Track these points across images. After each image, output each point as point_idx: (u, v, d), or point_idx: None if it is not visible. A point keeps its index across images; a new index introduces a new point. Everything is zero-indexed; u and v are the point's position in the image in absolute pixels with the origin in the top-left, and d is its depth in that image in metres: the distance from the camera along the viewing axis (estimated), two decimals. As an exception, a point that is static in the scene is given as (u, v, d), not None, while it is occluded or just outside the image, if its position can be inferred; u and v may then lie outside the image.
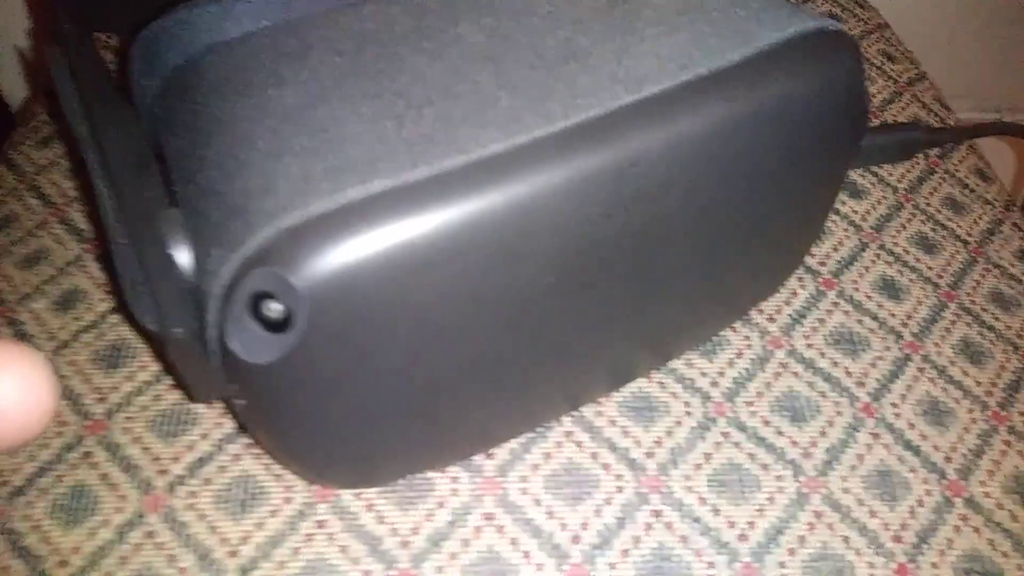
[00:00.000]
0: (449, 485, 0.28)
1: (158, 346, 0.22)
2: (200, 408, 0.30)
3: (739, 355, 0.32)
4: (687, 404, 0.30)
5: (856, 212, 0.37)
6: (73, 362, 0.31)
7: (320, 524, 0.28)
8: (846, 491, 0.29)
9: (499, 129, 0.21)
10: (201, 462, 0.29)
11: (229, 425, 0.30)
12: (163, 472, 0.29)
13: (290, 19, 0.25)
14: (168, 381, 0.31)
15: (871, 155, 0.30)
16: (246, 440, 0.29)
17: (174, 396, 0.30)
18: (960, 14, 0.77)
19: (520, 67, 0.22)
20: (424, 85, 0.22)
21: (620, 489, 0.28)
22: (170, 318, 0.21)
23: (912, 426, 0.31)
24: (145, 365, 0.31)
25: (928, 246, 0.36)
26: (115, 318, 0.33)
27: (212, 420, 0.30)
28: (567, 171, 0.21)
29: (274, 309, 0.20)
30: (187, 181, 0.23)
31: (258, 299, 0.20)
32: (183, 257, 0.23)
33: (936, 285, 0.35)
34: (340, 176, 0.20)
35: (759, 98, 0.23)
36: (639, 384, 0.31)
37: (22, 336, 0.32)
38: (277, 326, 0.20)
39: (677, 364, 0.32)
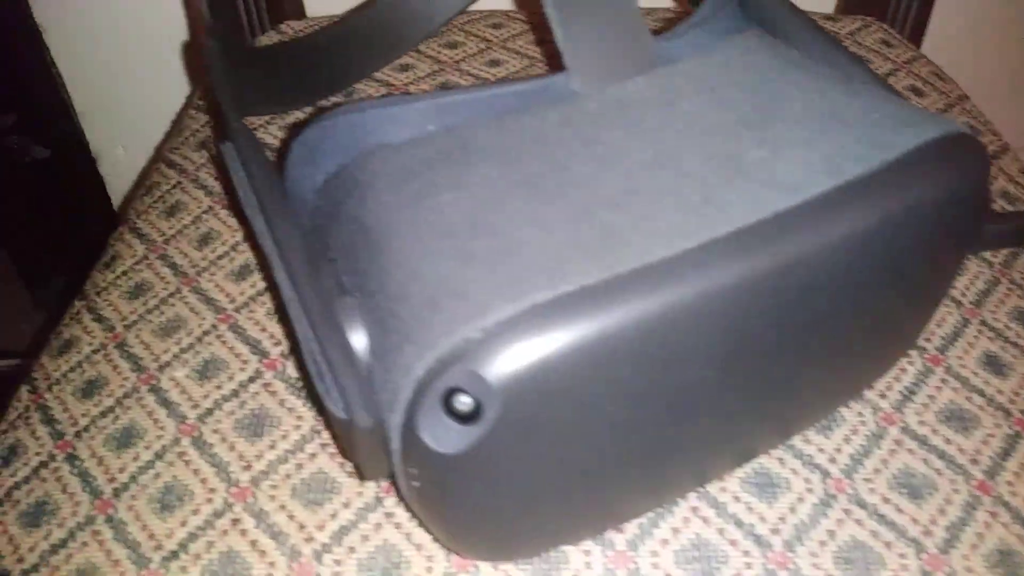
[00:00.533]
0: (582, 559, 0.30)
1: (339, 431, 0.24)
2: (340, 478, 0.32)
3: (854, 431, 0.33)
4: (807, 480, 0.32)
5: (955, 288, 0.38)
6: (217, 430, 0.33)
7: (461, 594, 0.29)
8: (969, 570, 0.30)
9: (667, 236, 0.23)
10: (344, 530, 0.30)
11: (369, 495, 0.31)
12: (309, 540, 0.30)
13: (453, 126, 0.27)
14: (309, 450, 0.33)
15: (987, 243, 0.31)
16: (385, 510, 0.31)
17: (315, 465, 0.32)
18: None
19: (679, 176, 0.24)
20: (591, 193, 0.24)
21: (749, 565, 0.29)
22: (358, 407, 0.23)
23: (1028, 504, 0.31)
24: (286, 434, 0.33)
25: (1028, 322, 0.37)
26: (255, 387, 0.35)
27: (353, 489, 0.31)
28: (733, 274, 0.22)
29: (465, 403, 0.21)
30: (362, 274, 0.25)
31: (450, 394, 0.21)
32: (360, 345, 0.25)
33: (1039, 361, 0.36)
34: (527, 281, 0.22)
35: (901, 201, 0.24)
36: (760, 460, 0.32)
37: (166, 404, 0.34)
38: (466, 419, 0.22)
39: (794, 440, 0.33)
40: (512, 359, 0.21)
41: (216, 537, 0.30)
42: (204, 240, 0.42)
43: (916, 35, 0.57)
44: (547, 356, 0.21)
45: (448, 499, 0.24)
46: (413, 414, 0.22)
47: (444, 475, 0.23)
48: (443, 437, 0.22)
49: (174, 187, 0.45)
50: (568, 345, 0.21)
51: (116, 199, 0.84)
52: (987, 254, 0.40)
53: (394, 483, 0.30)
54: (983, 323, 0.37)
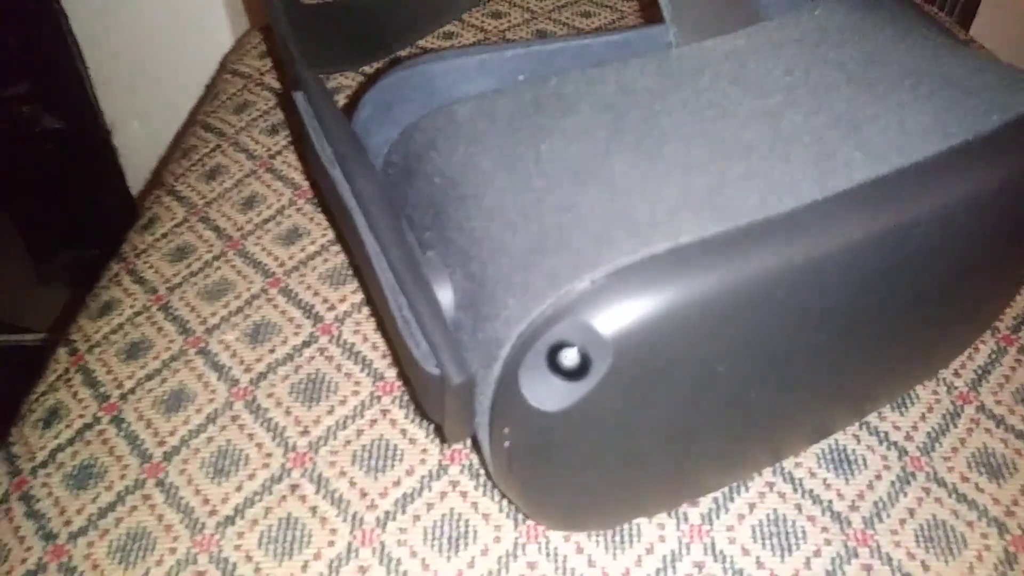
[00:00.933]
0: (656, 532, 0.29)
1: (430, 388, 0.23)
2: (402, 445, 0.31)
3: (930, 410, 0.32)
4: (884, 457, 0.31)
5: (1025, 268, 0.37)
6: (272, 394, 0.32)
7: (531, 566, 0.28)
8: (1051, 552, 0.29)
9: (786, 189, 0.21)
10: (408, 498, 0.29)
11: (432, 462, 0.30)
12: (372, 507, 0.29)
13: (546, 76, 0.25)
14: (369, 416, 0.31)
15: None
16: (449, 479, 0.30)
17: (375, 431, 0.31)
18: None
19: (792, 130, 0.23)
20: (700, 145, 0.23)
21: (828, 542, 0.28)
22: (452, 365, 0.22)
23: (1108, 487, 0.31)
24: (344, 400, 0.32)
25: (1098, 304, 0.36)
26: (310, 352, 0.33)
27: (416, 457, 0.30)
28: (854, 232, 0.21)
29: (571, 358, 0.20)
30: (448, 227, 0.24)
31: (557, 348, 0.20)
32: (445, 298, 0.24)
33: (1112, 344, 0.35)
34: (640, 232, 0.21)
35: (1015, 164, 0.23)
36: (834, 437, 0.31)
37: (216, 367, 0.33)
38: (571, 375, 0.20)
39: (869, 418, 0.32)
40: (625, 312, 0.20)
41: (274, 503, 0.29)
42: (248, 203, 0.40)
43: (965, 20, 0.56)
44: (661, 310, 0.20)
45: (539, 460, 0.23)
46: (515, 368, 0.21)
47: (540, 434, 0.22)
48: (545, 394, 0.21)
49: (213, 150, 0.44)
50: (684, 300, 0.20)
51: (130, 173, 0.83)
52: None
53: (475, 445, 0.29)
54: (1054, 304, 0.36)
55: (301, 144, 0.43)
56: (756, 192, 0.21)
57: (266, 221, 0.39)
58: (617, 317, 0.20)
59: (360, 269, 0.30)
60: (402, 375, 0.33)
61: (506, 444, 0.23)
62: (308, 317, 0.35)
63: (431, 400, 0.23)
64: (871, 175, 0.22)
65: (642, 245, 0.20)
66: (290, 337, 0.34)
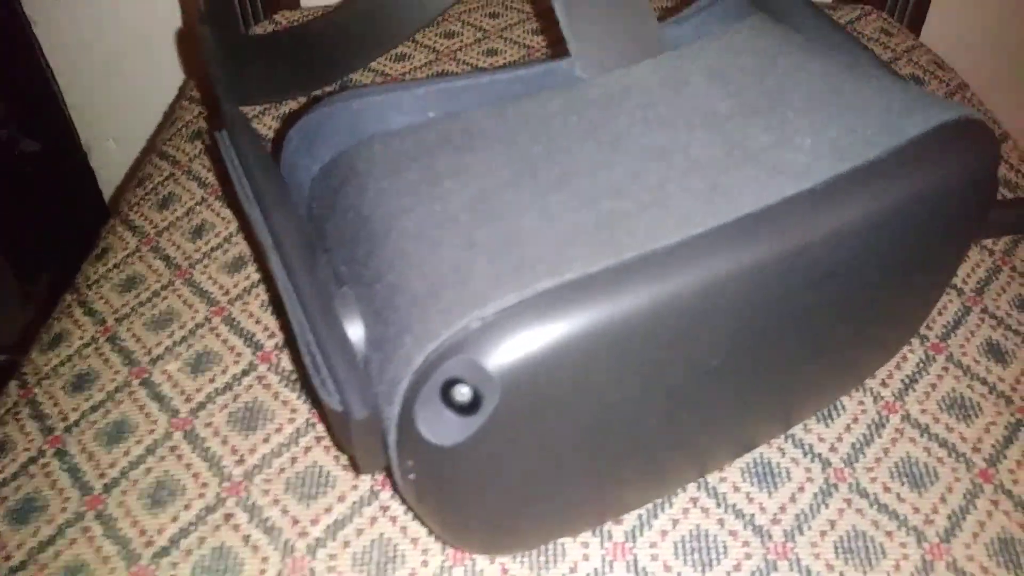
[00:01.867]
0: (580, 551, 0.29)
1: (335, 423, 0.23)
2: (335, 471, 0.31)
3: (855, 420, 0.33)
4: (808, 470, 0.31)
5: (957, 276, 0.38)
6: (210, 424, 0.33)
7: (459, 588, 0.28)
8: (970, 559, 0.29)
9: (673, 222, 0.22)
10: (339, 524, 0.30)
11: (364, 488, 0.31)
12: (303, 534, 0.30)
13: (454, 112, 0.26)
14: (304, 444, 0.32)
15: (991, 229, 0.31)
16: (380, 504, 0.30)
17: (309, 458, 0.32)
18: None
19: (686, 162, 0.24)
20: (596, 179, 0.23)
21: (748, 556, 0.29)
22: (355, 399, 0.22)
23: (1030, 493, 0.31)
24: (280, 427, 0.33)
25: (1029, 310, 0.37)
26: (248, 380, 0.34)
27: (348, 483, 0.31)
28: (740, 261, 0.22)
29: (463, 393, 0.21)
30: (361, 264, 0.25)
31: (449, 384, 0.21)
32: (356, 336, 0.24)
33: (1040, 350, 0.36)
34: (530, 269, 0.21)
35: (910, 186, 0.24)
36: (760, 450, 0.32)
37: (158, 398, 0.34)
38: (464, 410, 0.21)
39: (795, 430, 0.32)
40: (512, 348, 0.20)
41: (208, 532, 0.30)
42: (197, 232, 0.41)
43: (915, 24, 0.56)
44: (548, 345, 0.21)
45: (445, 491, 0.23)
46: (411, 405, 0.21)
47: (441, 467, 0.22)
48: (441, 429, 0.21)
49: (167, 179, 0.45)
50: (570, 334, 0.21)
51: (107, 192, 0.83)
52: (988, 242, 0.40)
53: (390, 476, 0.30)
54: (984, 311, 0.37)
55: (226, 184, 0.43)
56: (647, 224, 0.22)
57: (213, 249, 0.40)
58: (503, 353, 0.20)
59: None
60: (318, 407, 0.33)
61: (411, 476, 0.23)
62: (249, 345, 0.35)
63: (339, 433, 0.24)
64: (762, 203, 0.23)
65: (530, 282, 0.21)
66: (230, 366, 0.35)
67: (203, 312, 0.37)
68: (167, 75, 0.71)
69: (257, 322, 0.36)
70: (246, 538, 0.30)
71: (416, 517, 0.30)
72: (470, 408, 0.21)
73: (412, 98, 0.26)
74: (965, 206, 0.25)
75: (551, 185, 0.23)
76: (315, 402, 0.33)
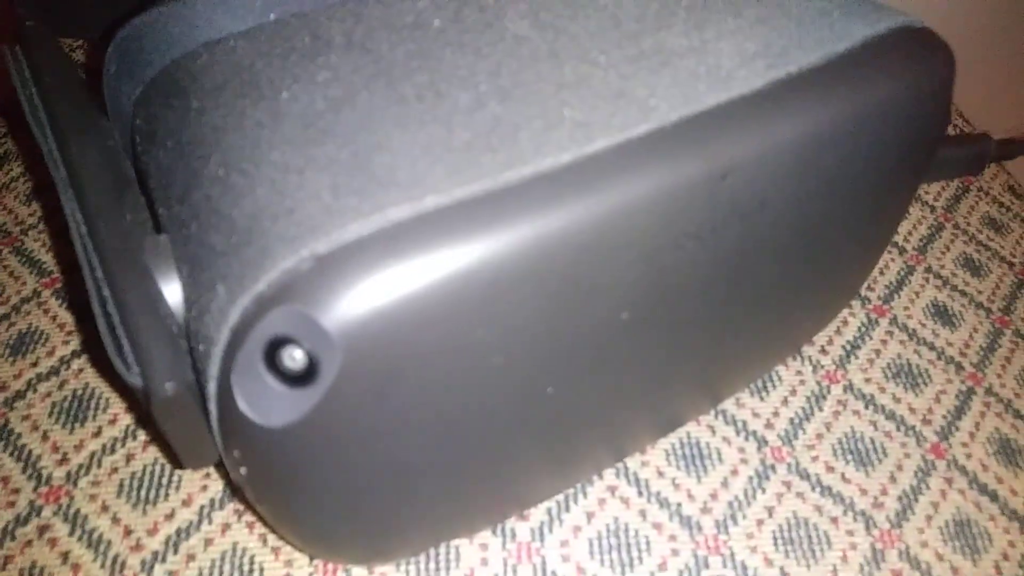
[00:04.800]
0: (478, 554, 0.25)
1: (142, 403, 0.18)
2: (182, 470, 0.26)
3: (793, 392, 0.29)
4: (741, 450, 0.27)
5: (898, 233, 0.35)
6: (28, 416, 0.27)
7: (329, 605, 0.23)
8: (924, 545, 0.26)
9: (567, 136, 0.17)
10: (183, 534, 0.24)
11: (216, 487, 0.25)
12: (136, 548, 0.24)
13: (300, 12, 0.21)
14: (143, 436, 0.26)
15: (940, 169, 0.27)
16: (237, 506, 0.25)
17: (150, 454, 0.26)
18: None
19: (583, 66, 0.19)
20: (471, 86, 0.18)
21: (675, 552, 0.25)
22: (158, 370, 0.17)
23: (985, 468, 0.28)
24: (116, 418, 0.27)
25: (974, 268, 0.34)
26: (79, 363, 0.28)
27: (196, 483, 0.25)
28: (650, 183, 0.17)
29: (295, 358, 0.16)
30: (178, 202, 0.19)
31: (275, 346, 0.16)
32: (173, 294, 0.19)
33: (988, 310, 0.32)
34: (380, 192, 0.16)
35: (852, 99, 0.20)
36: (686, 429, 0.27)
37: (-34, 386, 0.28)
38: (297, 379, 0.16)
39: (726, 404, 0.28)
40: (358, 296, 0.15)
41: (15, 550, 0.24)
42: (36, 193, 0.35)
43: None
44: (407, 292, 0.16)
45: (285, 487, 0.18)
46: (227, 375, 0.16)
47: (273, 456, 0.17)
48: (267, 404, 0.16)
49: (3, 136, 0.38)
50: (437, 276, 0.16)
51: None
52: (928, 197, 0.36)
53: (222, 469, 0.25)
54: (929, 270, 0.33)
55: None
56: (535, 138, 0.17)
57: (52, 214, 0.34)
58: (346, 303, 0.15)
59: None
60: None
61: (242, 470, 0.18)
62: (84, 320, 0.29)
63: (151, 419, 0.18)
64: (677, 114, 0.18)
65: (382, 207, 0.16)
66: (59, 347, 0.29)
67: (32, 284, 0.31)
68: None
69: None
70: (64, 555, 0.24)
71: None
72: (304, 377, 0.16)
73: (249, -2, 0.21)
74: (915, 128, 0.22)
75: (415, 93, 0.18)
76: (117, 383, 0.28)
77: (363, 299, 0.15)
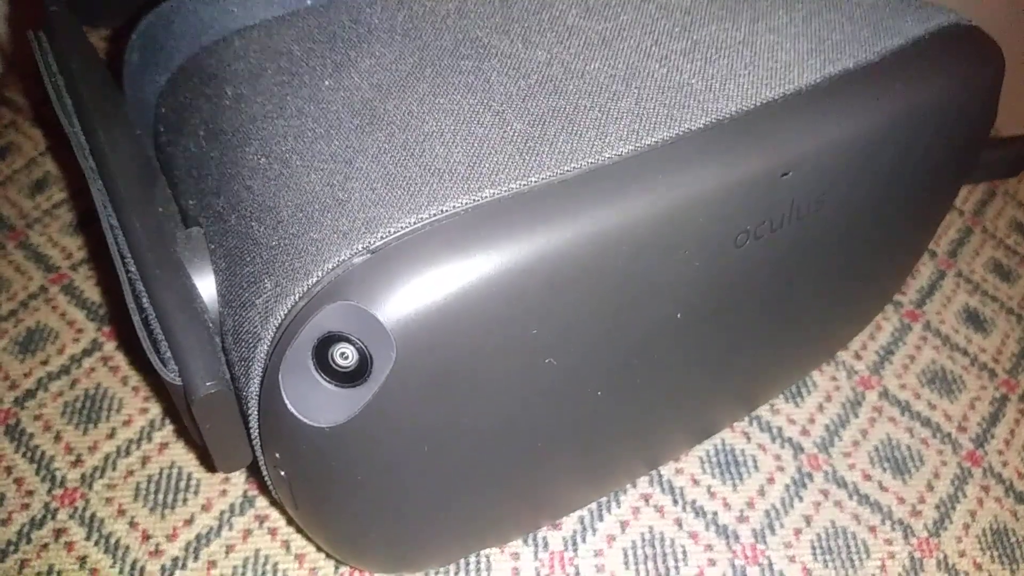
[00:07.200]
0: (509, 564, 0.24)
1: (178, 402, 0.17)
2: (199, 473, 0.25)
3: (828, 398, 0.28)
4: (777, 457, 0.26)
5: (925, 237, 0.34)
6: (40, 416, 0.26)
7: (356, 615, 0.22)
8: (962, 554, 0.25)
9: (625, 128, 0.17)
10: (203, 540, 0.23)
11: (236, 492, 0.24)
12: (156, 553, 0.23)
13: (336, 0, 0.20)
14: (159, 439, 0.25)
15: (982, 170, 0.27)
16: (256, 512, 0.24)
17: (167, 457, 0.25)
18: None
19: (636, 56, 0.18)
20: (522, 76, 0.18)
21: (713, 562, 0.24)
22: (198, 369, 0.16)
23: (1021, 476, 0.27)
24: (130, 420, 0.26)
25: (1004, 273, 0.33)
26: (90, 362, 0.27)
27: (216, 488, 0.25)
28: (711, 178, 0.16)
29: (347, 356, 0.15)
30: (212, 193, 0.18)
31: (326, 343, 0.15)
32: (207, 288, 0.18)
33: (1020, 316, 0.32)
34: (435, 183, 0.15)
35: (909, 96, 0.19)
36: (721, 436, 0.27)
37: (-27, 385, 0.27)
38: (348, 377, 0.15)
39: (761, 411, 0.27)
40: (415, 292, 0.15)
41: (32, 554, 0.23)
42: (39, 187, 0.34)
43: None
44: (464, 288, 0.15)
45: (327, 491, 0.17)
46: (275, 373, 0.15)
47: (319, 457, 0.16)
48: (316, 404, 0.15)
49: (7, 126, 0.37)
50: (494, 271, 0.15)
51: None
52: (957, 202, 0.36)
53: (258, 474, 0.24)
54: (959, 275, 0.33)
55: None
56: (593, 131, 0.17)
57: (56, 206, 0.33)
58: (401, 299, 0.14)
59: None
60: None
61: (282, 472, 0.17)
62: (92, 319, 0.28)
63: (186, 418, 0.18)
64: (733, 111, 0.17)
65: (437, 201, 0.15)
66: (68, 345, 0.28)
67: (39, 280, 0.30)
68: None
69: (107, 291, 0.29)
70: (82, 560, 0.23)
71: (299, 528, 0.24)
72: (355, 375, 0.15)
73: (286, -19, 0.20)
74: (969, 125, 0.21)
75: (465, 83, 0.18)
76: (159, 383, 0.27)
77: (420, 295, 0.15)
